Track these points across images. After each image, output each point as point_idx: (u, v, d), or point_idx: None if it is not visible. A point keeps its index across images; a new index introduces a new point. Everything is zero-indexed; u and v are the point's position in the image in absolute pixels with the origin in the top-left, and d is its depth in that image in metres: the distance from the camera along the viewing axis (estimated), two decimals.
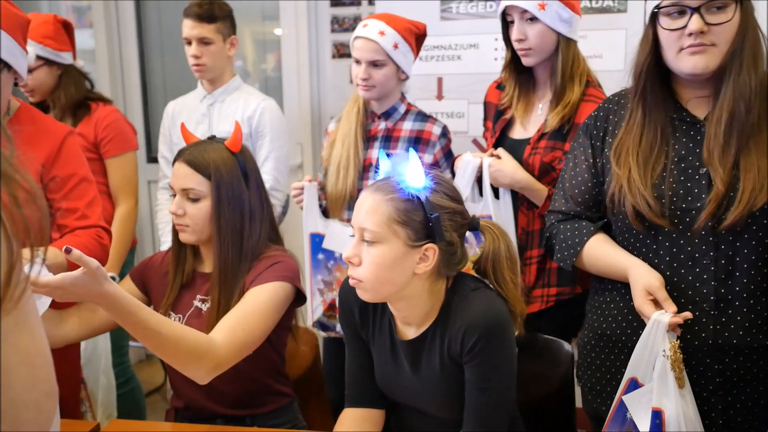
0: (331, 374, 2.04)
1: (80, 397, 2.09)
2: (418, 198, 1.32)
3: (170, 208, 1.61)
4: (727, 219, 1.37)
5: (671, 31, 1.39)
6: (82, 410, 2.11)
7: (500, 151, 1.99)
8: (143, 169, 3.24)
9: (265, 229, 1.64)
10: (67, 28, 2.45)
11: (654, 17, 1.43)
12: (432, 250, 1.34)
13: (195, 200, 1.58)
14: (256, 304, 1.49)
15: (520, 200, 2.00)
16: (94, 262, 1.24)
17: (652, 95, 1.46)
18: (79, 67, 2.50)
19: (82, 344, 2.14)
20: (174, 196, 1.62)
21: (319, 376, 1.95)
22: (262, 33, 3.50)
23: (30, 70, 2.32)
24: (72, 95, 2.42)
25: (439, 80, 2.81)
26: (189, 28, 2.38)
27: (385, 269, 1.32)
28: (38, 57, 2.35)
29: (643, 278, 1.41)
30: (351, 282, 1.37)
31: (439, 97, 2.83)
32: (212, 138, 1.66)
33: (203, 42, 2.37)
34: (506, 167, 1.95)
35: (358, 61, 2.13)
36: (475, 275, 1.48)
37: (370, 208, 1.32)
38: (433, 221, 1.32)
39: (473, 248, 1.97)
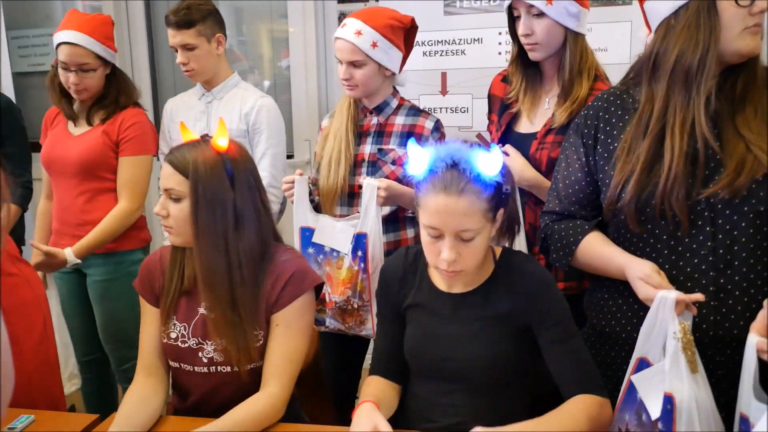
0: (327, 367, 2.03)
1: None
2: (497, 182, 1.41)
3: (155, 209, 1.58)
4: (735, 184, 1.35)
5: (743, 8, 1.34)
6: None
7: (508, 148, 1.98)
8: (154, 169, 3.26)
9: (267, 231, 1.62)
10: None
11: None
12: (500, 214, 1.47)
13: (176, 200, 1.55)
14: (293, 332, 1.58)
15: (527, 196, 1.98)
16: None
17: (685, 88, 1.38)
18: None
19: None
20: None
21: (320, 370, 1.95)
22: (278, 31, 3.50)
23: (94, 69, 2.39)
24: (133, 98, 2.50)
25: (443, 75, 2.80)
26: (171, 36, 2.38)
27: (483, 251, 1.45)
28: (98, 57, 2.39)
29: (636, 271, 1.40)
30: (450, 275, 1.43)
31: (443, 92, 2.82)
32: (204, 137, 1.62)
33: (187, 48, 2.37)
34: (515, 165, 1.93)
35: (340, 61, 2.11)
36: None
37: (466, 210, 1.37)
38: (506, 192, 1.46)
39: None
